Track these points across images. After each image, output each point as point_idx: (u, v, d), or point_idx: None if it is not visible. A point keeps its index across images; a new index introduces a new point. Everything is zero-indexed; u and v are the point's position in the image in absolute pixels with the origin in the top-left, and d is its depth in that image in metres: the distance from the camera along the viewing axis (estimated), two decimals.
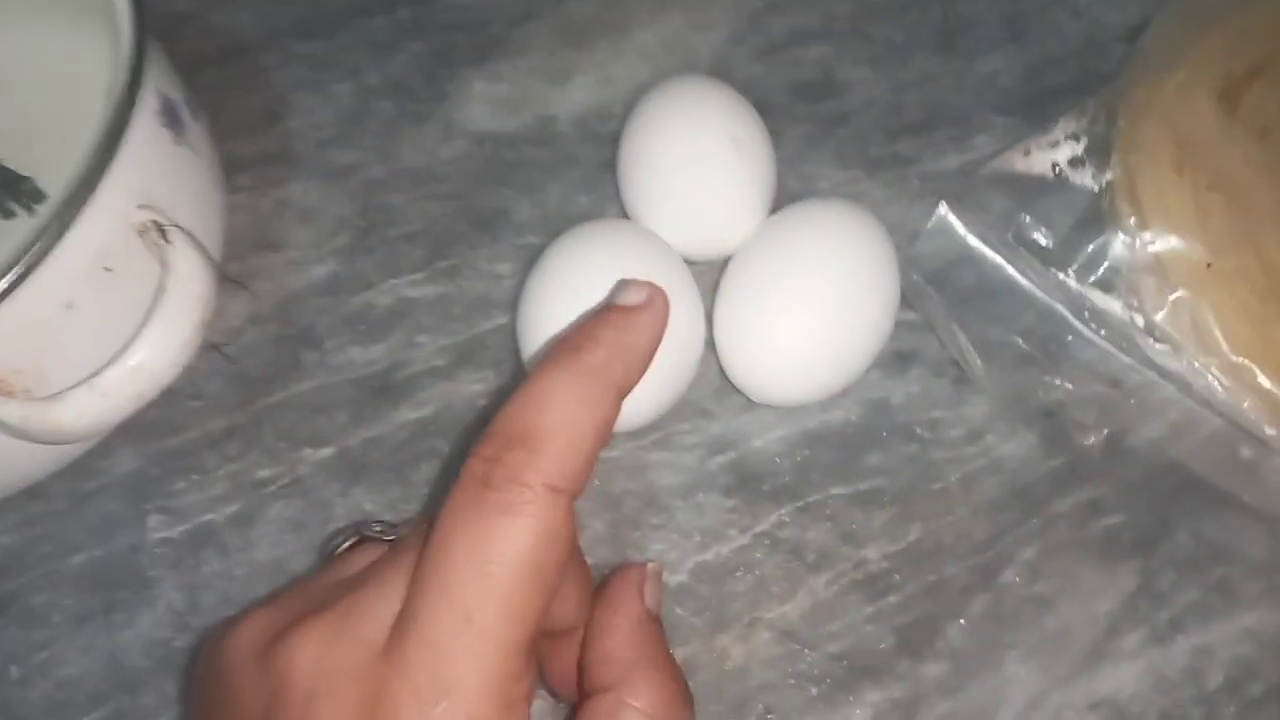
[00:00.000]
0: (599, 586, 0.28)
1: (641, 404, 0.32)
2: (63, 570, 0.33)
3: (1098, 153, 0.36)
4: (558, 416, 0.23)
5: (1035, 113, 0.40)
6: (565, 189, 0.39)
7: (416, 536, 0.25)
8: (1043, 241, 0.35)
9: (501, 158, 0.40)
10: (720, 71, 0.41)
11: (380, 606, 0.23)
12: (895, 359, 0.35)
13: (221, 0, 0.43)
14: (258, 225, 0.38)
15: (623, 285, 0.27)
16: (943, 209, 0.36)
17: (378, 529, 0.29)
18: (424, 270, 0.37)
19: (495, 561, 0.22)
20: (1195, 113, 0.36)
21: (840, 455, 0.34)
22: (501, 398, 0.35)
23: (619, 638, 0.26)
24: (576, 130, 0.40)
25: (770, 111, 0.40)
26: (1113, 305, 0.34)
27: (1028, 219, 0.35)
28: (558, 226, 0.37)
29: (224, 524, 0.34)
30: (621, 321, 0.26)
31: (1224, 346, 0.33)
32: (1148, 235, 0.34)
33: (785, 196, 0.38)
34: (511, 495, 0.22)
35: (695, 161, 0.34)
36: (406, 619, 0.23)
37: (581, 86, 0.41)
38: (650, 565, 0.28)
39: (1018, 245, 0.35)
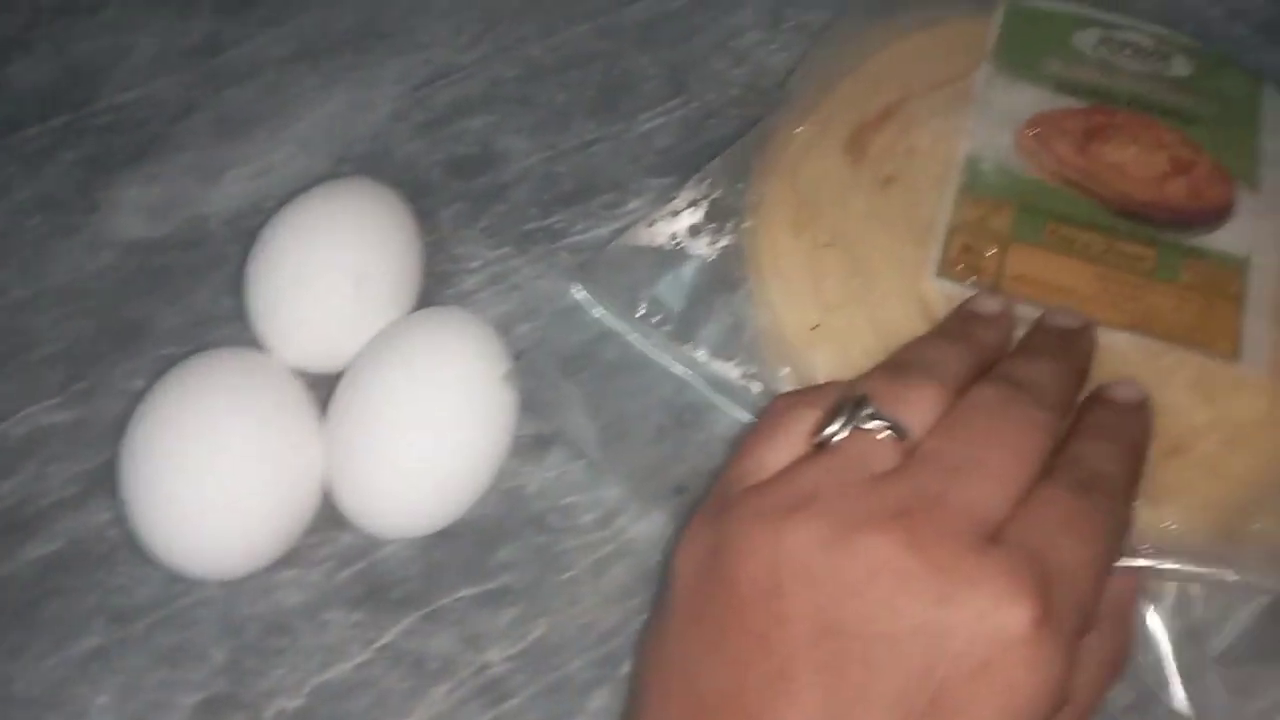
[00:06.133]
0: None
1: (252, 547, 0.31)
2: None
3: (717, 218, 0.35)
4: None
5: (692, 171, 0.39)
6: (211, 292, 0.38)
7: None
8: (667, 314, 0.35)
9: (149, 265, 0.39)
10: (379, 152, 0.40)
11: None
12: (535, 444, 0.35)
13: None
14: None
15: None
16: (575, 290, 0.36)
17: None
18: (60, 395, 0.36)
19: None
20: (822, 166, 0.36)
21: (472, 553, 0.33)
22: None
23: None
24: (227, 229, 0.39)
25: (426, 192, 0.39)
26: (731, 373, 0.34)
27: (653, 292, 0.35)
28: (199, 333, 0.37)
29: None
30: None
31: None
32: (763, 299, 0.34)
33: (434, 281, 0.37)
34: None
35: (317, 292, 0.33)
36: None
37: (236, 181, 0.40)
38: None
39: (648, 319, 0.35)
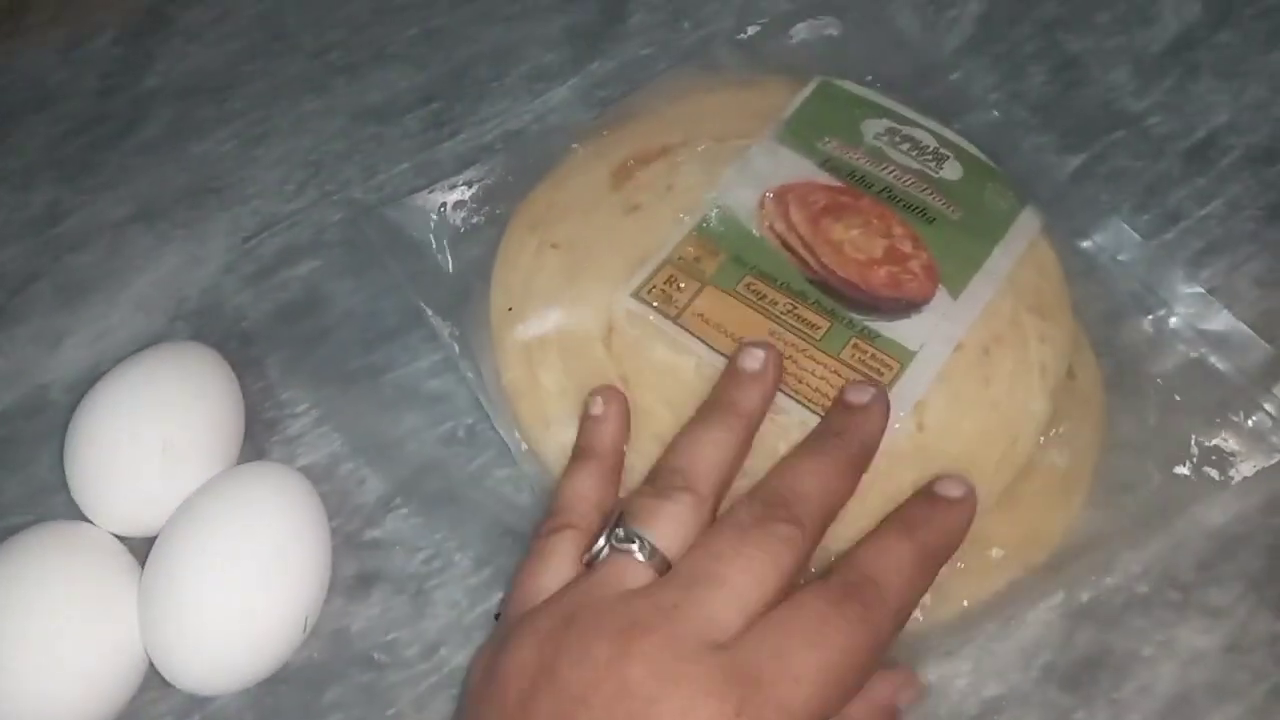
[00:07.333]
0: None
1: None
2: None
3: (481, 201, 0.40)
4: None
5: None
6: (53, 459, 0.39)
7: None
8: (418, 268, 0.39)
9: None
10: (210, 306, 0.42)
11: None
12: (358, 583, 0.36)
13: None
14: None
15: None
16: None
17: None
18: None
19: None
20: (584, 181, 0.39)
21: (301, 697, 0.35)
22: None
23: None
24: (67, 396, 0.41)
25: (254, 341, 0.41)
26: (444, 330, 0.38)
27: (413, 247, 0.40)
28: (40, 502, 0.39)
29: None
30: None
31: (502, 381, 0.36)
32: (482, 276, 0.38)
33: (261, 428, 0.39)
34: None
35: (126, 460, 0.35)
36: None
37: (76, 346, 0.42)
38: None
39: (404, 268, 0.40)
